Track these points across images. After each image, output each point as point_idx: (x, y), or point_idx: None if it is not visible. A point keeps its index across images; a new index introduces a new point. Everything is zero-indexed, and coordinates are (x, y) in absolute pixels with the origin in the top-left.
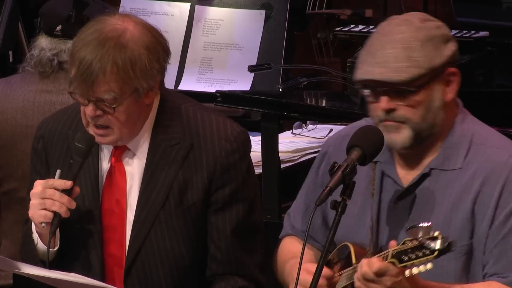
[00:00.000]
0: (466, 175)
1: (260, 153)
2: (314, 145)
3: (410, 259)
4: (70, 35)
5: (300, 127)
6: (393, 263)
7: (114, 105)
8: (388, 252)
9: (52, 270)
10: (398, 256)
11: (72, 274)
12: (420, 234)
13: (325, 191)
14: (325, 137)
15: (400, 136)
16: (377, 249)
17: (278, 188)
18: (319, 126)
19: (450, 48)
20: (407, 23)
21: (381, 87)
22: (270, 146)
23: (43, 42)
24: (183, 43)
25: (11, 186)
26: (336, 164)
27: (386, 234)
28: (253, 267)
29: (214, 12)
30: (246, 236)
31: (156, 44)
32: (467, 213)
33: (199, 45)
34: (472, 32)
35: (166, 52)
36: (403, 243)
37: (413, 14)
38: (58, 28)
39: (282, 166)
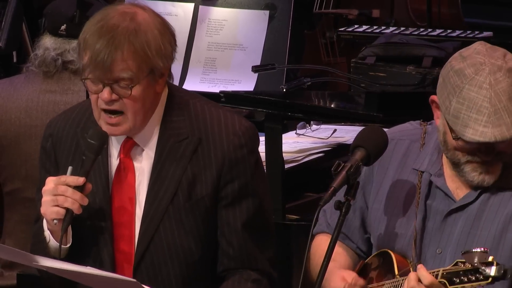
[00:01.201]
0: None
1: (264, 154)
2: (318, 145)
3: (461, 281)
4: (74, 35)
5: (304, 127)
6: (443, 283)
7: (131, 85)
8: (438, 271)
9: (70, 263)
10: (449, 277)
11: (88, 267)
12: (475, 259)
13: (329, 191)
14: (329, 137)
15: (492, 176)
16: (420, 261)
17: (282, 188)
18: (323, 126)
19: None
20: (497, 67)
21: (489, 147)
22: (274, 147)
23: (48, 42)
24: (187, 44)
25: (14, 186)
26: (340, 164)
27: (430, 246)
28: (265, 261)
29: (218, 13)
30: (257, 231)
31: (166, 27)
32: None
33: (203, 45)
34: (476, 32)
35: (174, 38)
36: (455, 264)
37: (486, 52)
38: (63, 27)
39: (286, 166)
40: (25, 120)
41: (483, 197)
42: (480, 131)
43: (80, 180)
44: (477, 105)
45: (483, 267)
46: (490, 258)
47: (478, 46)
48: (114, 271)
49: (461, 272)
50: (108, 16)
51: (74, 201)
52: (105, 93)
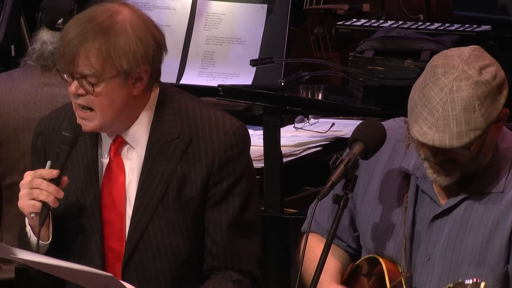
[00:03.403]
0: (505, 199)
1: (262, 147)
2: (316, 139)
3: None
4: None
5: (302, 121)
6: None
7: (94, 82)
8: None
9: (47, 256)
10: None
11: (67, 262)
12: None
13: (327, 185)
14: (327, 131)
15: (448, 179)
16: (410, 269)
17: (280, 182)
18: (321, 120)
19: (504, 94)
20: (465, 76)
21: (438, 150)
22: (272, 140)
23: (45, 35)
24: (185, 37)
25: (13, 179)
26: (338, 158)
27: (419, 252)
28: (249, 262)
29: (216, 6)
30: (242, 231)
31: (146, 32)
32: (505, 239)
33: (201, 39)
34: (474, 26)
35: (158, 44)
36: None
37: (468, 58)
38: (60, 21)
39: (284, 160)
40: (23, 114)
41: (467, 202)
42: (423, 130)
43: (53, 172)
44: (431, 105)
45: None
46: (482, 285)
47: (468, 50)
48: (104, 269)
49: None
50: (91, 9)
51: (49, 194)
52: (72, 86)
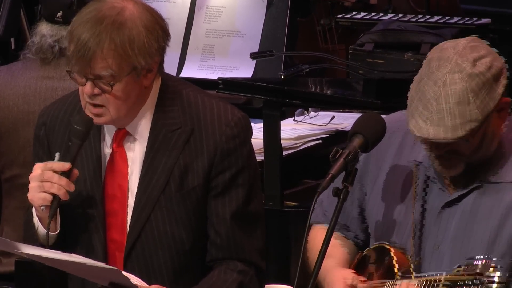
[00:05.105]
0: None
1: (262, 140)
2: (316, 132)
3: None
4: (71, 21)
5: (302, 114)
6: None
7: (112, 83)
8: (440, 276)
9: (51, 250)
10: (453, 282)
11: (72, 254)
12: (478, 272)
13: (327, 178)
14: (326, 124)
15: (454, 170)
16: (419, 257)
17: (280, 175)
18: (321, 113)
19: (502, 83)
20: (458, 69)
21: (438, 143)
22: (272, 133)
23: (44, 28)
24: (185, 30)
25: (13, 172)
26: (338, 151)
27: (428, 241)
28: (253, 252)
29: None
30: (246, 221)
31: (155, 23)
32: None
33: (201, 32)
34: (475, 19)
35: (165, 33)
36: (456, 271)
37: (462, 50)
38: (59, 14)
39: (284, 153)
40: (23, 107)
41: (477, 191)
42: (419, 124)
43: (66, 166)
44: (425, 100)
45: (485, 279)
46: (492, 268)
47: (464, 41)
48: (105, 259)
49: (464, 281)
50: (97, 9)
51: (60, 187)
52: (88, 87)
